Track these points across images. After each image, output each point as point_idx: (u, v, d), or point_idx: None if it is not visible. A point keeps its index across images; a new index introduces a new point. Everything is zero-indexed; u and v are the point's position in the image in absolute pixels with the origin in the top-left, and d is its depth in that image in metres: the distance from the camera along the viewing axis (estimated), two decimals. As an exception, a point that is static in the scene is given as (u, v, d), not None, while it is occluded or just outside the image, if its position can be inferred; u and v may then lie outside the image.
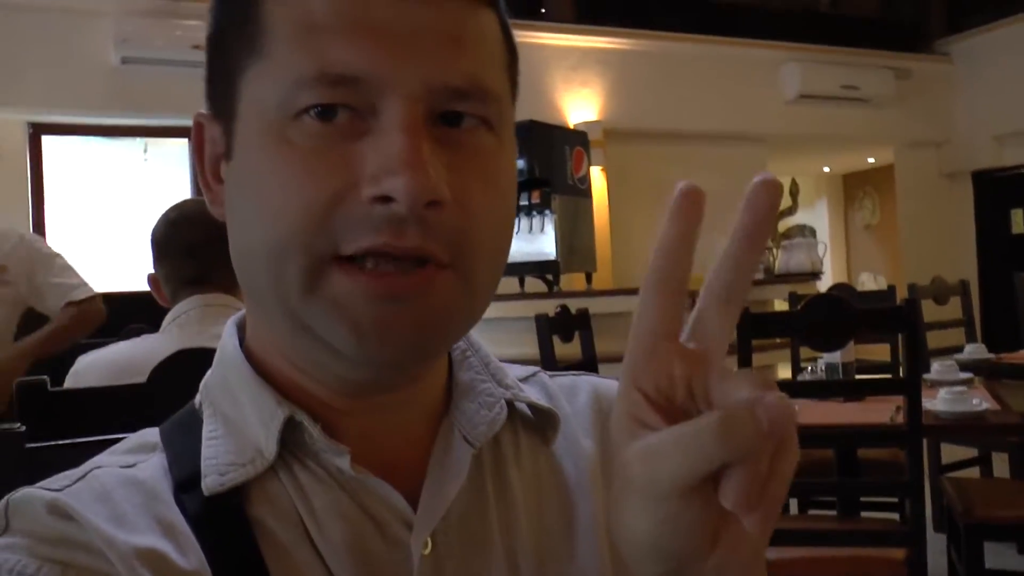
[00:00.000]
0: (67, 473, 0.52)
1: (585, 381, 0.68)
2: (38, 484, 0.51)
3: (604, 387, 0.68)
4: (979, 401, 2.49)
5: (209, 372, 0.58)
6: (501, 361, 0.63)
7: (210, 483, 0.51)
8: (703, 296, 0.39)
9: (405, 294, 0.48)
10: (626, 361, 0.40)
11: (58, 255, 2.78)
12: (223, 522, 0.50)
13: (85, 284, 2.73)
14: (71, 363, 1.50)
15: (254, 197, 0.50)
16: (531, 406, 0.60)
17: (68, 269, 2.75)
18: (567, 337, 3.11)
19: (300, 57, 0.48)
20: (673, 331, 0.39)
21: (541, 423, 0.60)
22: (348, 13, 0.48)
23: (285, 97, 0.48)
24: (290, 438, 0.52)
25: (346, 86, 0.47)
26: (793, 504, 3.25)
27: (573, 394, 0.66)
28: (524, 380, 0.65)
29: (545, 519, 0.58)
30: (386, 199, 0.46)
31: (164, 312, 1.60)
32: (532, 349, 2.95)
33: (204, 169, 0.57)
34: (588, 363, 3.17)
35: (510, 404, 0.59)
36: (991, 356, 3.64)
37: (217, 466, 0.51)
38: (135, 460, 0.53)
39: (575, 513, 0.59)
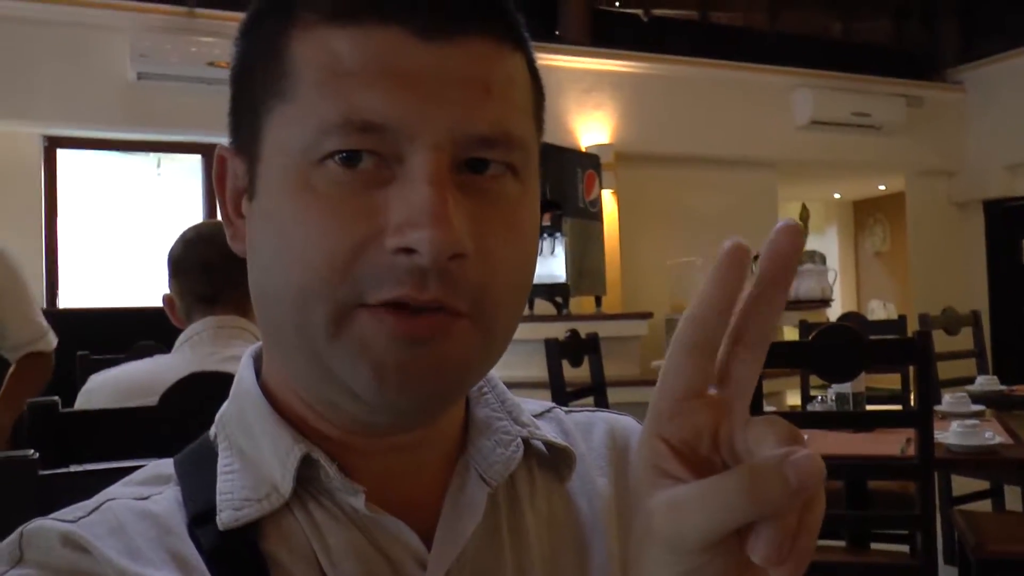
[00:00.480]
0: (81, 504, 0.52)
1: (600, 419, 0.67)
2: (52, 515, 0.51)
3: (619, 424, 0.67)
4: (991, 435, 2.47)
5: (225, 404, 0.58)
6: (509, 386, 0.62)
7: (225, 518, 0.50)
8: (727, 343, 0.39)
9: (427, 336, 0.48)
10: (651, 412, 0.39)
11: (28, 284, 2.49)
12: (237, 557, 0.49)
13: (51, 329, 2.47)
14: (82, 381, 1.50)
15: (277, 241, 0.49)
16: (547, 444, 0.60)
17: (38, 307, 2.49)
18: (576, 361, 3.10)
19: (326, 102, 0.47)
20: (701, 390, 0.38)
21: (556, 461, 0.60)
22: (376, 59, 0.47)
23: (310, 142, 0.48)
24: (306, 475, 0.52)
25: (372, 133, 0.47)
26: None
27: (588, 431, 0.65)
28: (539, 416, 0.65)
29: (559, 559, 0.58)
30: (409, 251, 0.46)
31: (174, 330, 1.60)
32: (540, 372, 2.94)
33: (226, 204, 0.56)
34: (597, 387, 3.16)
35: (526, 442, 0.59)
36: (1003, 388, 3.61)
37: (232, 501, 0.51)
38: (149, 492, 0.53)
39: (589, 554, 0.59)
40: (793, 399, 5.14)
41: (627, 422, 0.68)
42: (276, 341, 0.53)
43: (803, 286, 6.20)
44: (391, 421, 0.52)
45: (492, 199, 0.50)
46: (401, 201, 0.47)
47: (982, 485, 3.75)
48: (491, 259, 0.49)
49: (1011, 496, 3.77)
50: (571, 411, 0.68)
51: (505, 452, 0.57)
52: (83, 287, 5.24)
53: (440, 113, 0.47)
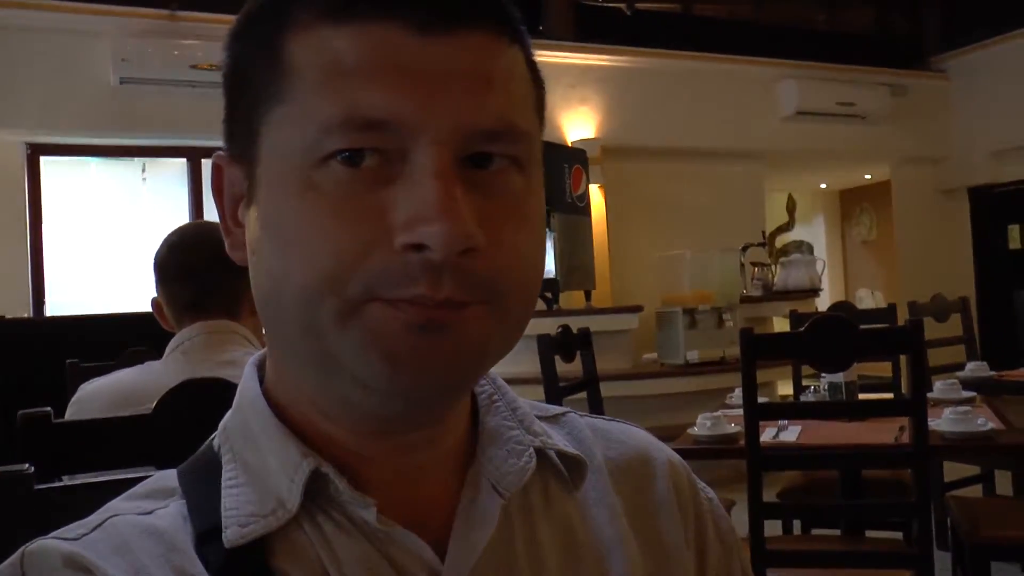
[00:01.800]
0: (84, 521, 0.51)
1: (617, 429, 0.66)
2: (54, 533, 0.50)
3: (635, 437, 0.66)
4: (984, 421, 2.48)
5: (229, 415, 0.57)
6: (506, 380, 0.61)
7: (231, 535, 0.49)
8: None
9: (443, 322, 0.47)
10: None
11: None
12: (246, 575, 0.48)
13: None
14: (72, 390, 1.48)
15: (281, 245, 0.48)
16: (559, 453, 0.58)
17: None
18: (568, 356, 3.10)
19: (327, 101, 0.47)
20: None
21: (570, 470, 0.58)
22: (375, 56, 0.47)
23: (311, 142, 0.47)
24: (314, 488, 0.51)
25: (375, 130, 0.46)
26: (797, 524, 3.23)
27: (606, 440, 0.64)
28: (552, 420, 0.63)
29: (577, 570, 0.56)
30: (420, 247, 0.45)
31: (165, 335, 1.58)
32: (532, 368, 2.93)
33: (224, 212, 0.55)
34: (590, 382, 3.16)
35: (539, 451, 0.57)
36: (992, 374, 3.64)
37: (238, 517, 0.50)
38: (153, 506, 0.52)
39: (609, 564, 0.57)
40: (784, 389, 5.16)
41: (644, 436, 0.66)
42: (283, 345, 0.52)
43: (792, 276, 6.23)
44: (404, 411, 0.50)
45: (497, 193, 0.49)
46: (408, 198, 0.46)
47: (972, 470, 3.78)
48: (502, 253, 0.48)
49: (1001, 480, 3.80)
50: (585, 416, 0.66)
51: (517, 462, 0.55)
52: (70, 294, 5.21)
53: (443, 108, 0.47)
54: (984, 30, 7.03)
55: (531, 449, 0.57)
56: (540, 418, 0.62)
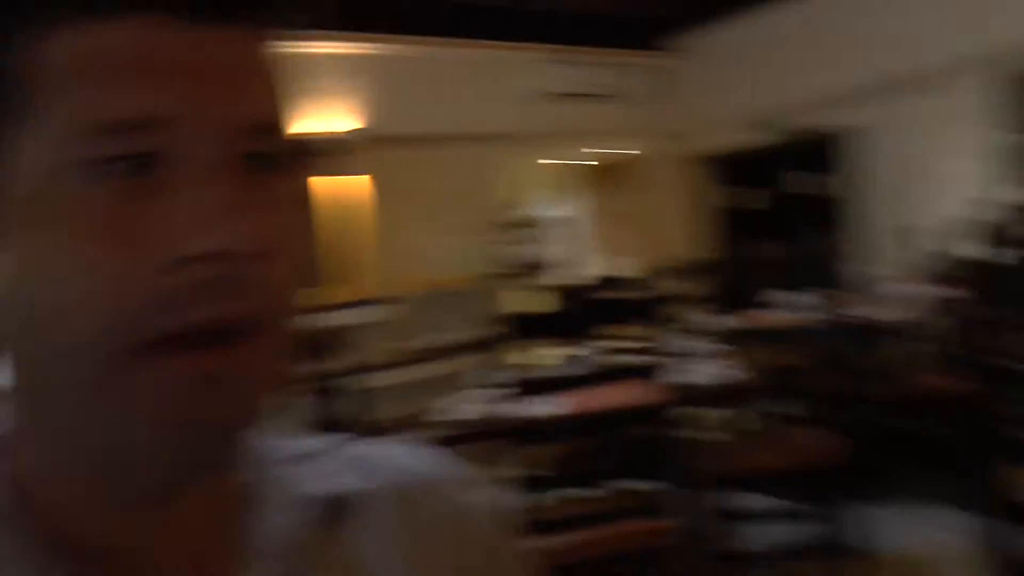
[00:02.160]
0: None
1: (391, 453, 0.61)
2: None
3: (411, 460, 0.61)
4: (729, 369, 2.68)
5: None
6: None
7: None
8: None
9: (222, 370, 0.40)
10: None
11: None
12: None
13: None
14: None
15: (38, 288, 0.39)
16: (329, 495, 0.53)
17: None
18: (321, 357, 3.06)
19: (76, 107, 0.38)
20: None
21: (342, 511, 0.53)
22: (129, 52, 0.39)
23: (62, 157, 0.39)
24: None
25: (136, 132, 0.39)
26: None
27: (375, 468, 0.58)
28: (317, 457, 0.57)
29: None
30: (199, 258, 0.39)
31: None
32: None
33: None
34: (341, 376, 3.12)
35: (306, 498, 0.52)
36: (735, 326, 3.96)
37: None
38: None
39: None
40: (535, 360, 5.34)
41: (425, 455, 0.62)
42: (41, 406, 0.43)
43: (537, 251, 6.52)
44: (171, 475, 0.44)
45: (270, 195, 0.43)
46: (188, 203, 0.39)
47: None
48: (281, 261, 0.43)
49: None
50: (361, 443, 0.61)
51: (284, 518, 0.50)
52: None
53: (208, 102, 0.40)
54: (719, 10, 7.60)
55: (299, 497, 0.52)
56: (307, 455, 0.56)
